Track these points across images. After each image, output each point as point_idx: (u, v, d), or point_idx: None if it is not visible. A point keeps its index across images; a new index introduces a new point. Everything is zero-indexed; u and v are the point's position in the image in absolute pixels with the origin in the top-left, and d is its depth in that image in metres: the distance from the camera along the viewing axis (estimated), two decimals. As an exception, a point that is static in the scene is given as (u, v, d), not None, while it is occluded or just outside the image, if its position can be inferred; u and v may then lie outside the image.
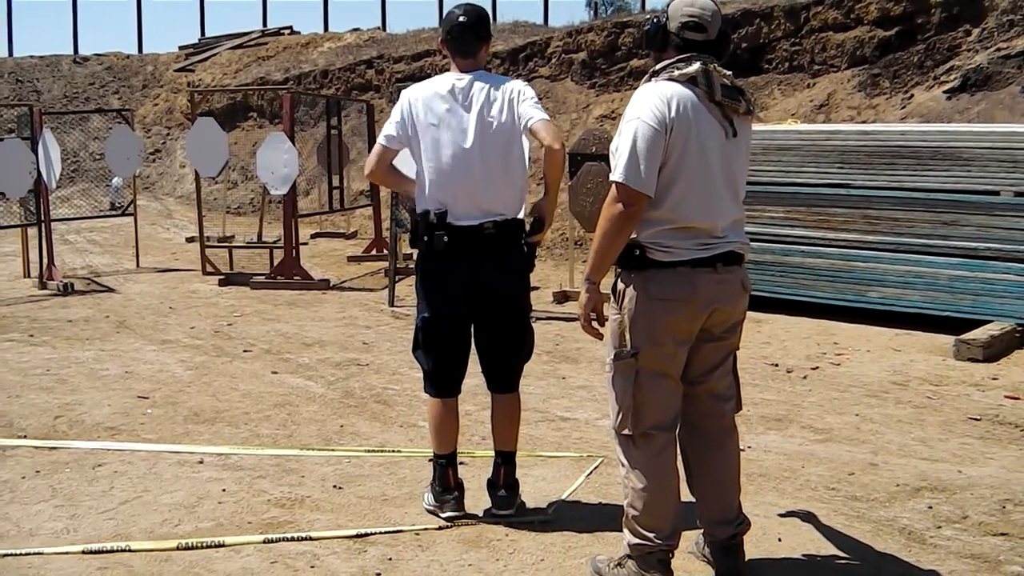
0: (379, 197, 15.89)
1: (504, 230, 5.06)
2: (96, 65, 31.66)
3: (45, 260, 13.32)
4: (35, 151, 13.33)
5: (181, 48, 31.95)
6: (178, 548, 4.87)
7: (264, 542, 4.93)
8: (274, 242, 14.69)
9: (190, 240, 17.84)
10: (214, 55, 29.80)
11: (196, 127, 14.03)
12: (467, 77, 5.11)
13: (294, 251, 13.02)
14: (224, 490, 5.68)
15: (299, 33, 30.45)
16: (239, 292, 12.61)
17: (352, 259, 15.30)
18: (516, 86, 5.11)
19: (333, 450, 6.39)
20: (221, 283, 13.19)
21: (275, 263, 13.36)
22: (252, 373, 8.43)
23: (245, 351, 9.27)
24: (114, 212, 20.11)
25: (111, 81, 30.90)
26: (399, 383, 8.02)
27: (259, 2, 33.22)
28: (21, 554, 4.85)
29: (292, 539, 4.96)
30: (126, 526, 5.19)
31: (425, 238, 5.06)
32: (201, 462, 6.18)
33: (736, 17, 16.38)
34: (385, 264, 13.66)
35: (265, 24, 32.53)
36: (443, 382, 5.29)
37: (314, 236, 17.77)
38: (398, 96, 5.37)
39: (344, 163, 16.46)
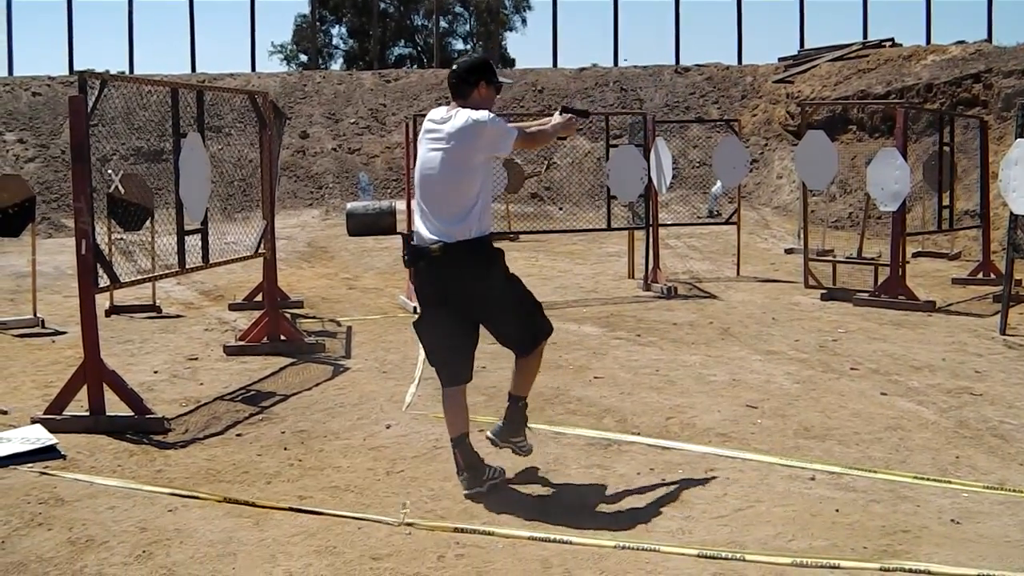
0: (989, 218, 15.13)
1: (451, 251, 5.72)
2: (696, 75, 32.50)
3: (651, 263, 13.78)
4: (646, 157, 13.80)
5: (780, 60, 32.12)
6: (792, 564, 4.79)
7: (881, 570, 4.74)
8: (876, 258, 14.38)
9: (789, 252, 17.87)
10: (813, 67, 29.69)
11: (806, 140, 13.94)
12: (456, 111, 5.83)
13: (900, 270, 12.62)
14: (837, 510, 5.53)
15: (900, 45, 29.69)
16: (841, 308, 12.39)
17: (957, 281, 14.64)
18: (473, 122, 5.73)
19: (949, 482, 6.06)
20: (823, 297, 13.02)
21: (878, 280, 13.03)
22: (860, 392, 8.22)
23: (852, 369, 9.05)
24: (713, 219, 20.57)
25: (710, 91, 31.61)
26: (1017, 417, 7.50)
27: (859, 13, 32.89)
28: (639, 548, 4.97)
29: (911, 571, 4.73)
30: (740, 535, 5.19)
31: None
32: (813, 478, 6.08)
33: None
34: (993, 289, 12.98)
35: (865, 36, 32.10)
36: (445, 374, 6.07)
37: (915, 255, 17.18)
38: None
39: (952, 180, 15.80)
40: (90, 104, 7.35)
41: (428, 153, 5.85)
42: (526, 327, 6.11)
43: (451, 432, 5.99)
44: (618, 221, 15.18)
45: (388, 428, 7.17)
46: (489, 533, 5.17)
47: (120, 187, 11.42)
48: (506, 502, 5.68)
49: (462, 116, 5.76)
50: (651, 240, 13.93)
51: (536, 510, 5.56)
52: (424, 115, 6.24)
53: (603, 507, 5.60)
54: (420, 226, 5.85)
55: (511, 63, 48.09)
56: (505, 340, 6.16)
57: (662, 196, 15.24)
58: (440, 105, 6.39)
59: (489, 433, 6.25)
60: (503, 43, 54.45)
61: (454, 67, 6.06)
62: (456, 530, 5.21)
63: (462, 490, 5.87)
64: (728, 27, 61.27)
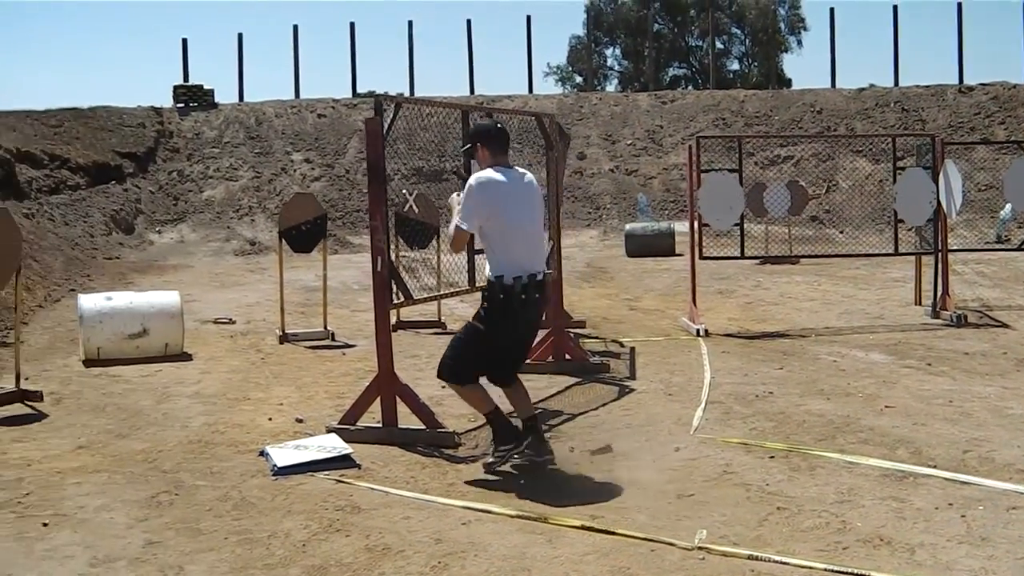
0: None
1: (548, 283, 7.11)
2: (981, 95, 31.35)
3: (939, 290, 13.32)
4: (935, 180, 13.36)
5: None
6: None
7: None
8: None
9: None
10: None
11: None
12: (516, 170, 6.91)
13: None
14: None
15: None
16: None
17: None
18: (535, 181, 7.09)
19: None
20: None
21: None
22: None
23: None
24: (1002, 245, 19.77)
25: (996, 111, 30.44)
26: None
27: None
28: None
29: None
30: (1048, 577, 4.96)
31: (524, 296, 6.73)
32: None
33: None
34: None
35: None
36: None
37: None
38: None
39: None
40: (385, 126, 7.61)
41: (528, 203, 6.90)
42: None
43: (484, 409, 7.00)
44: (903, 245, 14.71)
45: (677, 451, 7.16)
46: (784, 563, 5.08)
47: (414, 206, 11.83)
48: (799, 531, 5.58)
49: (527, 172, 7.07)
50: (940, 266, 13.46)
51: (830, 541, 5.44)
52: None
53: (901, 541, 5.41)
54: (533, 262, 6.85)
55: (787, 83, 47.35)
56: (517, 365, 7.20)
57: (952, 220, 14.72)
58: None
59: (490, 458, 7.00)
60: (779, 63, 53.77)
61: (500, 125, 7.09)
62: (750, 557, 5.15)
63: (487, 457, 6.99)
64: (1014, 43, 58.67)
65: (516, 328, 6.92)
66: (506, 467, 6.88)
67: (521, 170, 7.00)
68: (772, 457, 6.90)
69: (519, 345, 7.15)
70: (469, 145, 7.11)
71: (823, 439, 7.44)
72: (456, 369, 6.93)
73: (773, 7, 54.19)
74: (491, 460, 6.87)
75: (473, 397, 6.99)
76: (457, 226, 6.76)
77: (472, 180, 6.79)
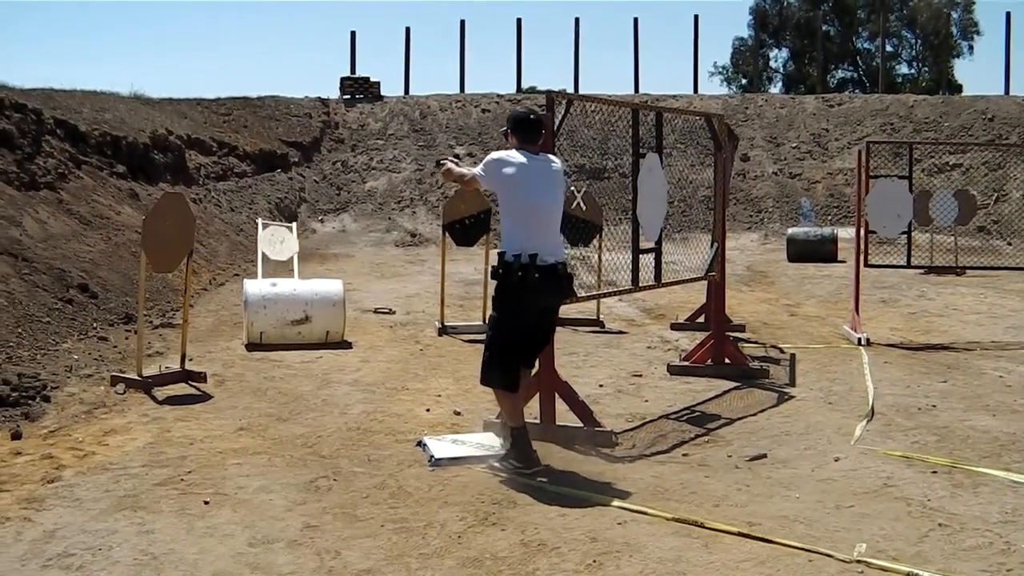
0: None
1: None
2: None
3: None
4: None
5: None
6: None
7: None
8: None
9: None
10: None
11: None
12: (540, 156, 6.96)
13: None
14: None
15: None
16: None
17: None
18: (562, 170, 7.10)
19: None
20: None
21: None
22: None
23: None
24: None
25: None
26: None
27: None
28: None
29: None
30: None
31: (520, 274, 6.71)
32: None
33: None
34: None
35: None
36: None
37: None
38: None
39: None
40: (556, 122, 7.61)
41: (547, 187, 6.91)
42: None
43: (514, 423, 6.85)
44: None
45: (836, 461, 7.01)
46: (945, 581, 4.94)
47: (582, 204, 11.87)
48: (961, 550, 5.40)
49: (556, 160, 7.14)
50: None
51: (994, 562, 5.24)
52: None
53: (1071, 566, 5.22)
54: (548, 247, 6.80)
55: (958, 89, 46.20)
56: (537, 353, 7.21)
57: None
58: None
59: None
60: (950, 68, 52.48)
61: (533, 116, 7.08)
62: (910, 574, 5.00)
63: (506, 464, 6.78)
64: None
65: (518, 310, 6.85)
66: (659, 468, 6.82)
67: (551, 157, 7.11)
68: (934, 472, 6.71)
69: (528, 331, 7.02)
70: (505, 128, 7.14)
71: (988, 456, 7.20)
72: (494, 369, 6.90)
73: (946, 10, 52.91)
74: (496, 464, 6.83)
75: (510, 406, 6.92)
76: (475, 174, 7.00)
77: (492, 153, 7.01)
